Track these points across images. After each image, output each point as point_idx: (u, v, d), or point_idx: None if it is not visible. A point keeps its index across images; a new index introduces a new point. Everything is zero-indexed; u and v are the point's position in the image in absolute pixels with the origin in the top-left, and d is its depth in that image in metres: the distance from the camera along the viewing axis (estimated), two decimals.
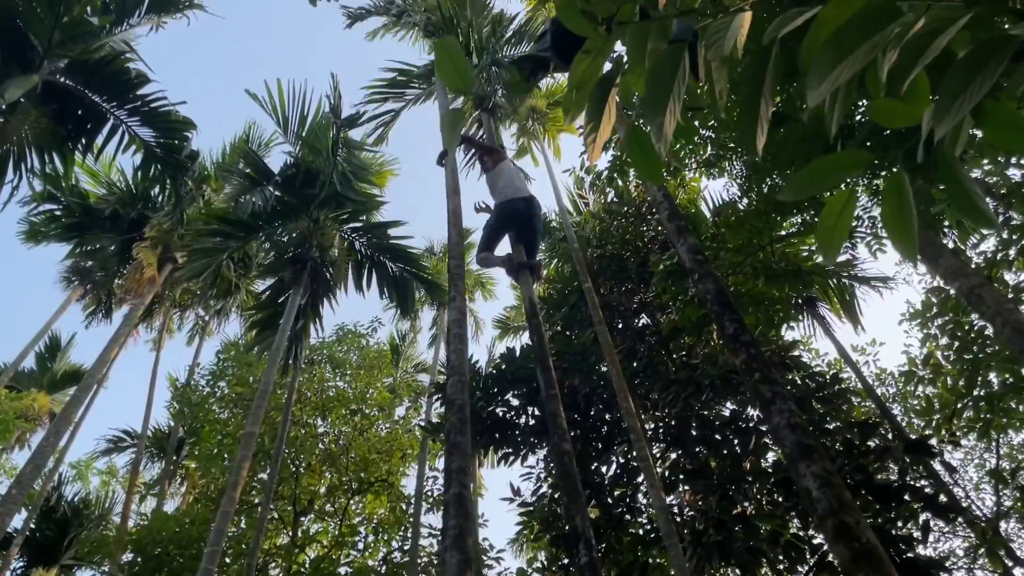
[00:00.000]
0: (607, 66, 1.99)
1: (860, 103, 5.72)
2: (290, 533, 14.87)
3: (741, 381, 8.03)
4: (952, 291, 7.72)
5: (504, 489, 31.02)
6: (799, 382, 8.98)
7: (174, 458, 18.34)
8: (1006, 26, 1.61)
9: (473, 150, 11.57)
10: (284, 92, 13.12)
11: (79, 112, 9.79)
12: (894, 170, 1.79)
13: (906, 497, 7.05)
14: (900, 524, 7.18)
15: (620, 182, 10.28)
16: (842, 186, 1.96)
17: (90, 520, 19.29)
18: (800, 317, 12.70)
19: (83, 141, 10.23)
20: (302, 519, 15.27)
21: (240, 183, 13.45)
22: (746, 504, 8.30)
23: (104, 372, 15.12)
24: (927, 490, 7.27)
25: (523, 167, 13.42)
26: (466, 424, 3.90)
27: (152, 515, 16.06)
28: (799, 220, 9.07)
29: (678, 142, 8.25)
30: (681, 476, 9.02)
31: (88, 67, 9.27)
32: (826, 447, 8.06)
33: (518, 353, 11.36)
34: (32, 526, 17.20)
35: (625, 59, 1.93)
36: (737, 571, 9.00)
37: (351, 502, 15.14)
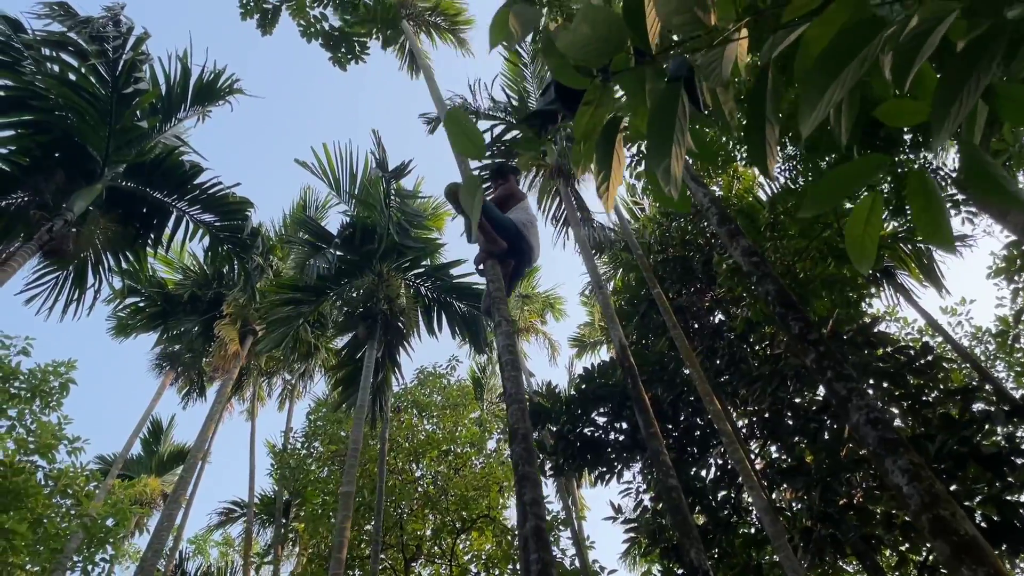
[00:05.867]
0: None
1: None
2: None
3: None
4: None
5: (603, 506, 30.74)
6: (889, 358, 8.68)
7: (283, 521, 18.81)
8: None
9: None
10: (331, 155, 13.56)
11: (144, 210, 10.29)
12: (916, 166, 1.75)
13: (1021, 461, 6.72)
14: (1020, 490, 6.85)
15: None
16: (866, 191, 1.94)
17: None
18: (879, 290, 12.29)
19: (152, 236, 10.73)
20: (413, 564, 15.45)
21: (303, 250, 13.91)
22: (854, 492, 8.06)
23: (205, 449, 15.70)
24: None
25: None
26: (533, 453, 3.77)
27: None
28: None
29: (717, 139, 8.15)
30: (777, 474, 8.80)
31: (145, 167, 9.76)
32: (927, 420, 7.78)
33: (596, 371, 11.33)
34: None
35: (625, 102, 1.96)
36: (854, 562, 8.73)
37: (457, 542, 15.25)
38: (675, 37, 2.14)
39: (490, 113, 14.72)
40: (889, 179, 7.03)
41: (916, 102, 1.75)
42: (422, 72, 10.78)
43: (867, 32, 1.43)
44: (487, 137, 14.41)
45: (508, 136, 14.62)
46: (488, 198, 6.48)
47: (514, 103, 14.71)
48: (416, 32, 12.68)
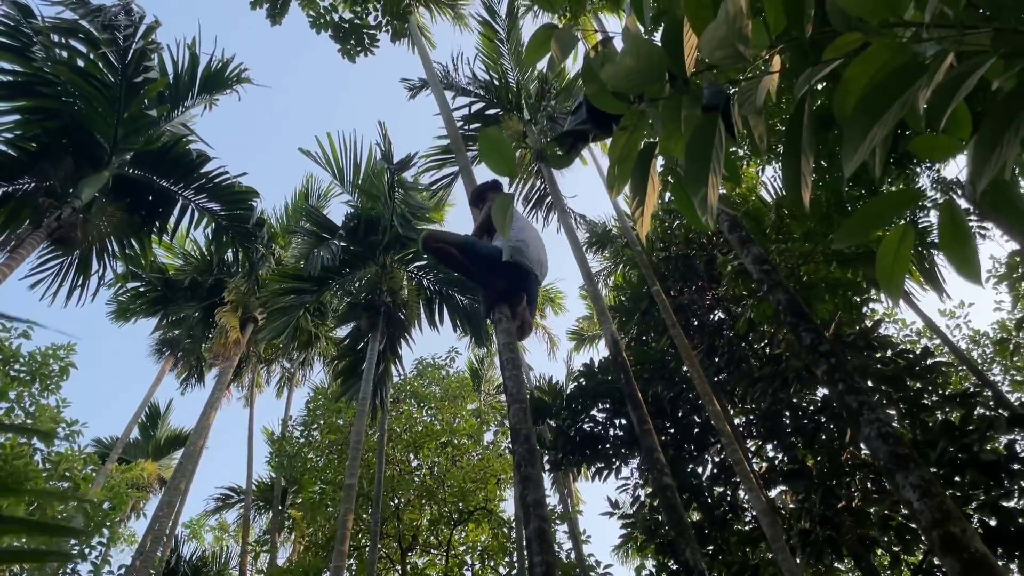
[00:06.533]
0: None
1: None
2: (399, 570, 15.15)
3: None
4: None
5: (599, 499, 30.89)
6: (889, 361, 8.74)
7: (280, 508, 18.89)
8: None
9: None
10: (336, 144, 13.58)
11: (150, 198, 10.31)
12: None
13: (1018, 468, 6.80)
14: (1016, 496, 6.93)
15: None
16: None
17: None
18: (880, 293, 12.35)
19: (157, 224, 10.75)
20: (409, 554, 15.54)
21: (307, 240, 13.94)
22: (854, 492, 8.13)
23: (204, 437, 15.72)
24: None
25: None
26: (535, 454, 3.73)
27: (267, 569, 16.59)
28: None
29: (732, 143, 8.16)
30: (780, 477, 8.87)
31: (152, 156, 9.78)
32: (925, 425, 7.84)
33: (596, 367, 11.38)
34: None
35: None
36: (849, 561, 8.82)
37: (454, 533, 15.34)
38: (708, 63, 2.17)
39: (468, 88, 14.94)
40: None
41: (948, 137, 1.79)
42: (416, 47, 10.75)
43: (909, 75, 1.46)
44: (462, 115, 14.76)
45: (488, 112, 15.04)
46: (471, 230, 5.52)
47: (496, 82, 14.90)
48: (415, 4, 12.66)
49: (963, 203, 8.14)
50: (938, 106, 1.60)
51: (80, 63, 8.96)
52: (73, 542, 12.79)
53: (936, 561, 7.53)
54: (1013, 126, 1.39)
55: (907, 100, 1.46)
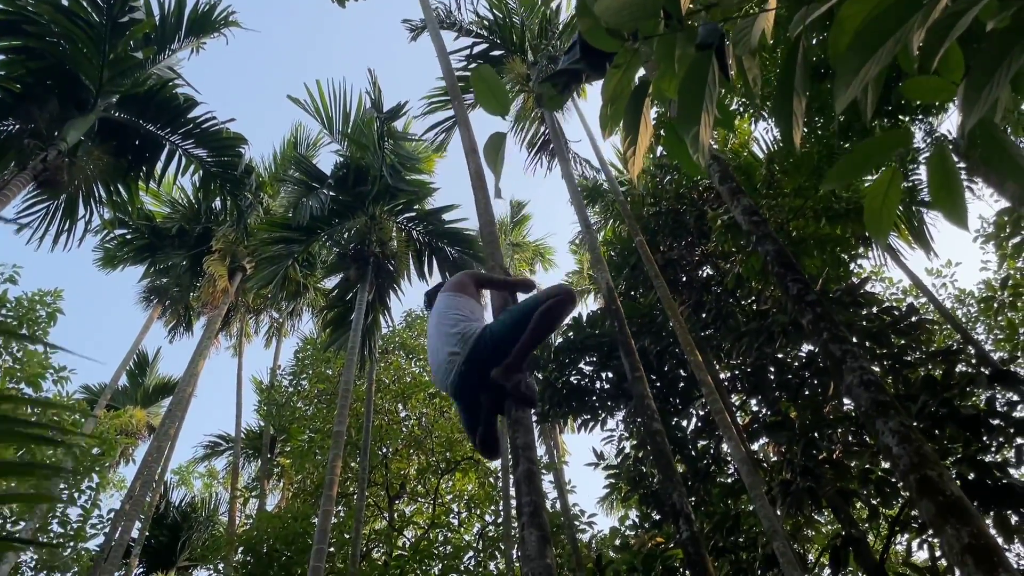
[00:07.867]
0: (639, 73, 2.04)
1: None
2: (387, 517, 15.38)
3: None
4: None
5: (584, 451, 31.25)
6: (875, 317, 8.82)
7: (268, 456, 19.05)
8: None
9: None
10: (325, 93, 13.39)
11: (136, 142, 10.19)
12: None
13: (997, 423, 6.91)
14: (993, 451, 7.06)
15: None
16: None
17: (198, 522, 20.21)
18: (868, 250, 12.40)
19: (144, 169, 10.64)
20: (396, 502, 15.77)
21: (295, 189, 13.83)
22: (834, 447, 8.26)
23: (193, 385, 15.77)
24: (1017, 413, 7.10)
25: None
26: None
27: (256, 515, 16.81)
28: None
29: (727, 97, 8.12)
30: (763, 429, 9.00)
31: (139, 99, 9.65)
32: (908, 381, 7.95)
33: (585, 320, 11.44)
34: (147, 534, 18.08)
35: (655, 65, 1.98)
36: (828, 513, 9.01)
37: (441, 482, 15.55)
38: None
39: (471, 27, 14.63)
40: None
41: (940, 79, 1.79)
42: None
43: (903, 13, 1.46)
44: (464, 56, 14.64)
45: (492, 54, 14.80)
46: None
47: (500, 21, 14.59)
48: None
49: (955, 159, 8.14)
50: (932, 47, 1.60)
51: (64, 2, 8.76)
52: (63, 485, 12.90)
53: (913, 513, 7.69)
54: (1005, 63, 1.39)
55: (901, 37, 1.45)
